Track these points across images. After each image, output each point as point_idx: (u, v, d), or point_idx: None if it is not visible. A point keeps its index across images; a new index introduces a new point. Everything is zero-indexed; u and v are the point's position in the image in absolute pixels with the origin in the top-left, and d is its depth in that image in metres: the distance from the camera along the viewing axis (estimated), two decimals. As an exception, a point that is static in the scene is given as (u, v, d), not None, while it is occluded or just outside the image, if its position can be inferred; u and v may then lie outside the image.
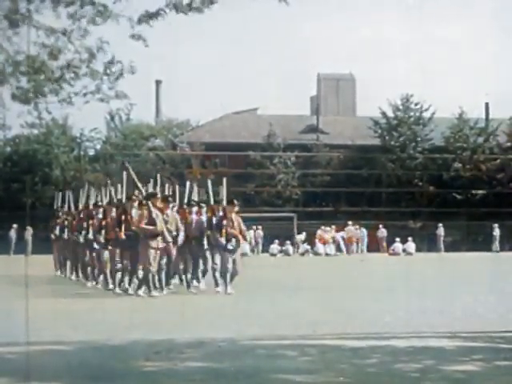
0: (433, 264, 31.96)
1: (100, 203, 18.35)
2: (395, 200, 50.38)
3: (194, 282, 16.39)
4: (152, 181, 18.31)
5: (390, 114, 54.34)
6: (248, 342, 8.59)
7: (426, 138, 54.06)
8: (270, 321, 10.67)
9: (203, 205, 16.82)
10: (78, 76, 10.70)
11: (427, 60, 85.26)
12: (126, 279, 15.63)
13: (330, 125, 56.13)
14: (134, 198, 16.00)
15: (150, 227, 15.16)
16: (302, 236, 45.24)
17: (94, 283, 17.62)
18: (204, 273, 16.44)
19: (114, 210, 16.65)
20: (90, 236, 17.81)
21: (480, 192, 51.77)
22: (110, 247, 16.20)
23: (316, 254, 42.96)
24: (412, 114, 54.55)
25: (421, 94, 54.59)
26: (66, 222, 21.00)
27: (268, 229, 44.77)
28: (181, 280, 16.63)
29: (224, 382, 6.56)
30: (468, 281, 19.54)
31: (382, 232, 46.71)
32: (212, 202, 16.74)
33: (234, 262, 15.59)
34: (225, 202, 16.27)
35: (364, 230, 46.09)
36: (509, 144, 53.84)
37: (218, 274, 15.80)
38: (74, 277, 19.90)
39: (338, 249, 44.63)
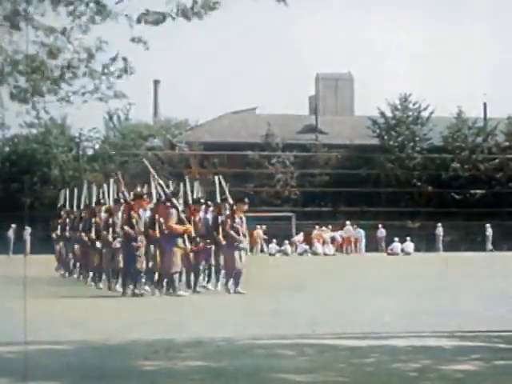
0: (431, 264, 31.95)
1: (102, 201, 18.14)
2: (394, 200, 50.41)
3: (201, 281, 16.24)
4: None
5: (389, 113, 54.38)
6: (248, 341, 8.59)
7: (424, 138, 54.11)
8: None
9: (210, 203, 16.72)
10: (77, 75, 10.70)
11: (426, 60, 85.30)
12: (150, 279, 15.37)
13: (329, 124, 56.15)
14: (144, 197, 15.70)
15: (181, 227, 15.12)
16: (300, 236, 45.28)
17: (95, 284, 17.36)
18: (216, 272, 16.28)
19: (122, 208, 16.39)
20: (93, 235, 17.58)
21: (479, 192, 51.81)
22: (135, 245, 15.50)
23: (314, 253, 42.99)
24: (410, 113, 54.58)
25: (419, 94, 54.72)
26: (67, 221, 20.75)
27: (266, 228, 44.80)
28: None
29: (227, 381, 6.56)
30: (466, 280, 19.57)
31: (382, 232, 46.74)
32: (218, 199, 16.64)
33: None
34: (230, 201, 16.19)
35: (361, 230, 46.11)
36: (507, 144, 53.88)
37: (224, 273, 15.71)
38: (79, 278, 19.50)
39: (337, 249, 44.72)
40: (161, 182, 16.23)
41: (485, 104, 57.60)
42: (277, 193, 52.17)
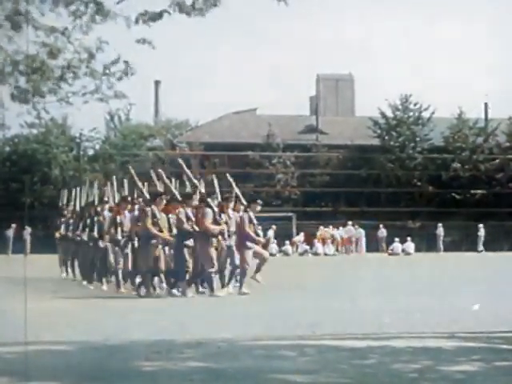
0: (431, 264, 31.96)
1: (106, 199, 17.90)
2: (394, 200, 50.43)
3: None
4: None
5: (389, 114, 54.39)
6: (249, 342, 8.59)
7: (425, 138, 54.12)
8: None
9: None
10: (78, 76, 10.70)
11: (426, 60, 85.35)
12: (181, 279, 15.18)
13: (329, 125, 56.15)
14: (163, 196, 15.51)
15: (218, 227, 15.07)
16: (301, 236, 45.29)
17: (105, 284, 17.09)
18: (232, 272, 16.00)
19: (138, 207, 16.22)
20: (95, 234, 17.41)
21: (479, 192, 51.82)
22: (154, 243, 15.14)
23: (315, 254, 43.01)
24: (411, 114, 54.60)
25: (420, 94, 54.76)
26: (70, 221, 20.36)
27: (267, 229, 44.80)
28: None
29: (228, 382, 6.55)
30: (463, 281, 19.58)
31: (382, 232, 46.76)
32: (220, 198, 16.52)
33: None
34: (244, 201, 16.09)
35: (362, 230, 46.12)
36: (508, 144, 53.90)
37: (240, 273, 15.55)
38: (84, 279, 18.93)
39: (337, 249, 44.73)
40: (195, 181, 16.22)
41: (486, 104, 57.65)
42: (277, 193, 52.18)
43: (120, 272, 16.24)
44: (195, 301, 14.27)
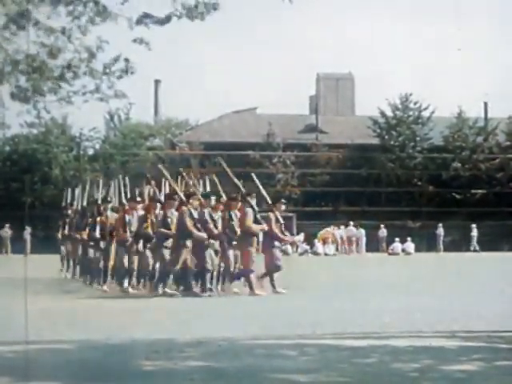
0: (430, 264, 31.97)
1: (109, 199, 17.73)
2: (394, 199, 50.42)
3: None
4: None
5: (389, 113, 54.38)
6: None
7: (425, 138, 54.11)
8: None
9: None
10: (78, 75, 10.70)
11: (426, 59, 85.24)
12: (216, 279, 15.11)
13: (330, 124, 56.13)
14: (194, 196, 15.39)
15: (258, 226, 15.09)
16: (301, 236, 45.20)
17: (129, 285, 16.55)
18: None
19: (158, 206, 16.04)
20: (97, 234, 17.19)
21: (479, 191, 51.81)
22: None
23: (315, 253, 43.00)
24: (411, 113, 54.59)
25: (420, 94, 54.70)
26: (74, 221, 20.01)
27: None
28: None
29: (229, 382, 6.56)
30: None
31: (383, 232, 46.77)
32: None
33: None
34: (269, 200, 16.05)
35: (362, 230, 46.11)
36: (508, 143, 53.89)
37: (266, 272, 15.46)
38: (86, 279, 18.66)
39: (337, 248, 44.71)
40: (236, 180, 16.21)
41: (485, 103, 57.62)
42: (277, 192, 52.14)
43: (129, 272, 16.03)
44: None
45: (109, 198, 17.84)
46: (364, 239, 46.32)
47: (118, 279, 16.35)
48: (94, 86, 10.82)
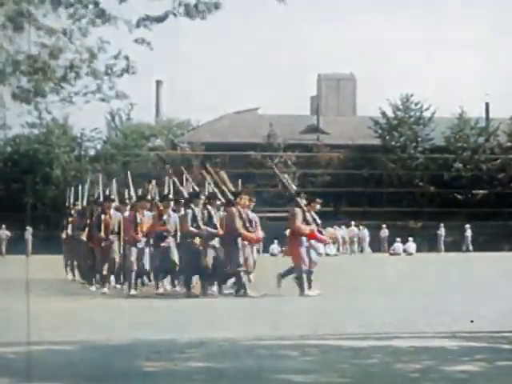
0: (430, 264, 31.98)
1: (113, 197, 17.37)
2: (396, 200, 50.41)
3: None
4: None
5: (391, 113, 54.37)
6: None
7: (426, 138, 54.12)
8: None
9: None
10: (79, 76, 10.70)
11: (427, 60, 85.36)
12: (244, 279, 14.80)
13: (331, 125, 56.14)
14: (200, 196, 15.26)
15: (308, 227, 14.95)
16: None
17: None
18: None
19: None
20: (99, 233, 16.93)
21: (481, 192, 51.81)
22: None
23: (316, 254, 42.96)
24: (412, 113, 54.61)
25: (421, 94, 54.75)
26: (78, 221, 19.36)
27: (268, 229, 44.73)
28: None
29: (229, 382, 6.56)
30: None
31: (385, 232, 46.78)
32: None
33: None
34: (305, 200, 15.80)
35: (366, 231, 46.11)
36: (509, 144, 53.90)
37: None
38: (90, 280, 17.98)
39: (338, 249, 44.71)
40: (287, 180, 16.10)
41: (487, 104, 57.63)
42: (278, 193, 52.14)
43: (133, 272, 15.76)
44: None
45: (112, 197, 17.50)
46: (368, 239, 46.35)
47: (127, 279, 16.10)
48: (95, 86, 10.83)
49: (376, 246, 46.23)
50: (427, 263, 33.00)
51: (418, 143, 53.97)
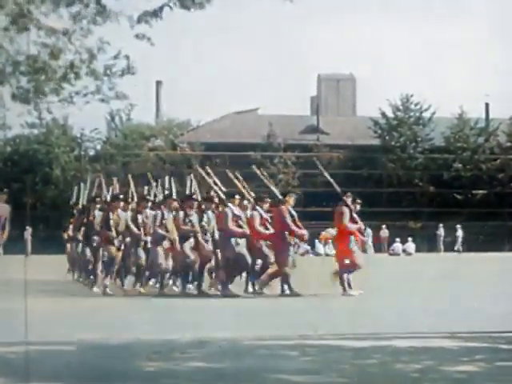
0: (430, 265, 31.98)
1: (121, 196, 17.04)
2: (395, 200, 50.41)
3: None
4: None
5: (390, 114, 54.39)
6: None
7: (426, 138, 54.15)
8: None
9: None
10: (79, 76, 10.70)
11: (427, 60, 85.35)
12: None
13: (331, 125, 56.15)
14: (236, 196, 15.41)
15: (355, 226, 15.35)
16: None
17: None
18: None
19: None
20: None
21: (480, 192, 51.83)
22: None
23: (317, 254, 42.99)
24: (412, 114, 54.64)
25: (421, 94, 54.73)
26: (84, 220, 18.76)
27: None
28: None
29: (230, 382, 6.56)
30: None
31: (385, 232, 46.78)
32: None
33: None
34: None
35: (369, 231, 46.07)
36: (509, 144, 53.94)
37: None
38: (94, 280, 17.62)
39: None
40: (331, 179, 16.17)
41: (487, 104, 57.65)
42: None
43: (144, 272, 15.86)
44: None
45: (121, 196, 17.19)
46: (370, 239, 46.32)
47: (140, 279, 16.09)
48: (95, 86, 10.83)
49: (376, 246, 46.19)
50: (427, 263, 33.00)
51: (418, 143, 54.00)
